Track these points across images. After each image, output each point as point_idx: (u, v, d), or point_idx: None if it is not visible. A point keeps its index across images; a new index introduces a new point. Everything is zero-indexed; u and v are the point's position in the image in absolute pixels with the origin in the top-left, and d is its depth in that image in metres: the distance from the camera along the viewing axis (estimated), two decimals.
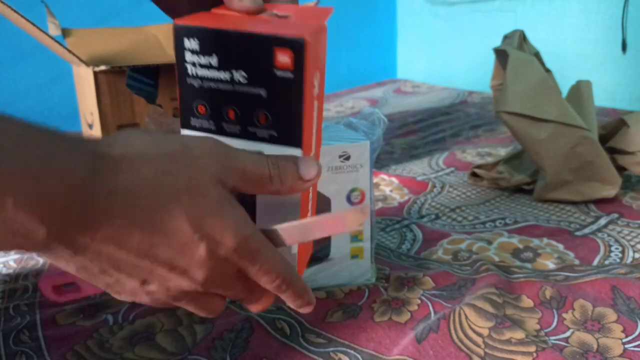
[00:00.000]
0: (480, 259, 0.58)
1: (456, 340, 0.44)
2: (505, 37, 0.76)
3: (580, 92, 0.76)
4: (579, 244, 0.61)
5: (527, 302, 0.49)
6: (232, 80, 0.31)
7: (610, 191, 0.71)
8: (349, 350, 0.44)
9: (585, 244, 0.61)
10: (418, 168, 0.94)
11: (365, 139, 0.50)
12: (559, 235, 0.64)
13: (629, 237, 0.62)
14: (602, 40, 1.39)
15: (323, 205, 0.50)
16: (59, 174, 0.24)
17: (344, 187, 0.51)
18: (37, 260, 0.63)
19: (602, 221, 0.67)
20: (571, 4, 1.45)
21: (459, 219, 0.71)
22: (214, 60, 0.30)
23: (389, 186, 0.85)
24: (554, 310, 0.47)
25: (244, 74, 0.30)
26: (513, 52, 0.71)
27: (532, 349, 0.42)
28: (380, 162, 0.99)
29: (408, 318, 0.48)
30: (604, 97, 1.36)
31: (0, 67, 1.43)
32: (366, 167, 0.50)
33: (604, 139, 0.75)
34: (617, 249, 0.60)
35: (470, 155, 1.00)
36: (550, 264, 0.57)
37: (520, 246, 0.62)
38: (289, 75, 0.30)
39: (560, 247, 0.61)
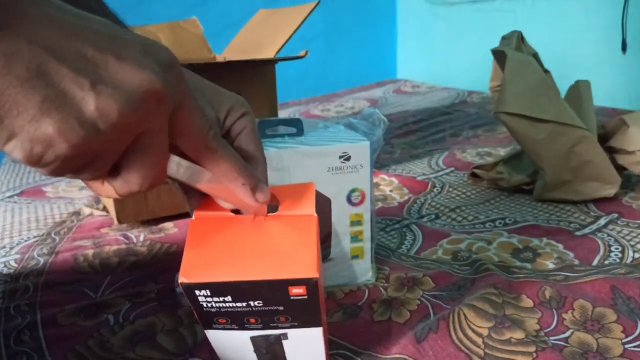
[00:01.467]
0: (480, 259, 0.58)
1: (456, 340, 0.44)
2: (503, 38, 0.76)
3: (579, 92, 0.76)
4: (579, 244, 0.61)
5: (526, 302, 0.49)
6: (249, 306, 0.32)
7: (610, 191, 0.72)
8: (346, 352, 0.44)
9: (585, 243, 0.61)
10: (418, 168, 0.94)
11: (366, 139, 0.51)
12: (558, 235, 0.64)
13: (628, 237, 0.62)
14: (602, 40, 1.39)
15: (323, 205, 0.51)
16: None
17: (344, 188, 0.51)
18: (37, 260, 0.63)
19: (602, 221, 0.67)
20: (571, 4, 1.45)
21: (459, 218, 0.71)
22: (228, 298, 0.32)
23: (389, 186, 0.85)
24: (554, 310, 0.48)
25: (260, 302, 0.32)
26: (511, 52, 0.71)
27: (532, 349, 0.42)
28: (380, 162, 0.99)
29: (407, 318, 0.48)
30: (603, 97, 1.36)
31: None
32: (366, 168, 0.51)
33: (604, 138, 0.75)
34: (617, 248, 0.60)
35: (470, 155, 1.00)
36: (550, 264, 0.57)
37: (520, 246, 0.62)
38: (304, 297, 0.32)
39: (560, 247, 0.61)
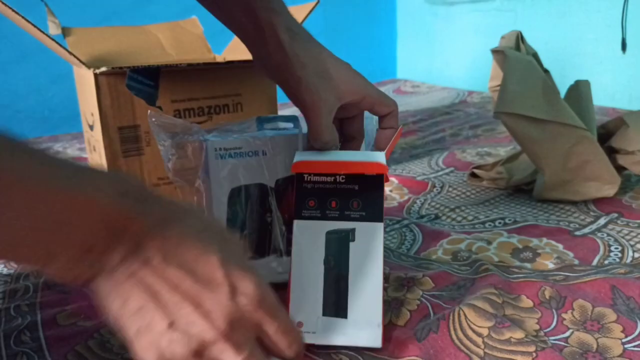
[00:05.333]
0: (480, 259, 0.58)
1: (456, 340, 0.44)
2: (503, 38, 0.76)
3: (579, 92, 0.76)
4: (579, 244, 0.61)
5: (526, 302, 0.49)
6: (335, 181, 0.45)
7: (610, 190, 0.72)
8: (349, 351, 0.44)
9: (584, 243, 0.61)
10: (418, 168, 0.94)
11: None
12: (558, 235, 0.64)
13: (628, 237, 0.62)
14: (602, 40, 1.39)
15: None
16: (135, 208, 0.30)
17: None
18: None
19: (602, 221, 0.67)
20: (571, 3, 1.45)
21: (459, 218, 0.71)
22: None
23: (388, 186, 0.85)
24: (554, 310, 0.48)
25: (342, 177, 0.45)
26: (511, 52, 0.71)
27: (532, 348, 0.42)
28: None
29: (408, 318, 0.48)
30: (603, 96, 1.36)
31: (1, 68, 1.43)
32: None
33: (604, 138, 0.75)
34: (616, 248, 0.60)
35: (470, 155, 1.00)
36: (550, 264, 0.57)
37: (520, 246, 0.62)
38: (373, 178, 0.45)
39: (560, 246, 0.61)
